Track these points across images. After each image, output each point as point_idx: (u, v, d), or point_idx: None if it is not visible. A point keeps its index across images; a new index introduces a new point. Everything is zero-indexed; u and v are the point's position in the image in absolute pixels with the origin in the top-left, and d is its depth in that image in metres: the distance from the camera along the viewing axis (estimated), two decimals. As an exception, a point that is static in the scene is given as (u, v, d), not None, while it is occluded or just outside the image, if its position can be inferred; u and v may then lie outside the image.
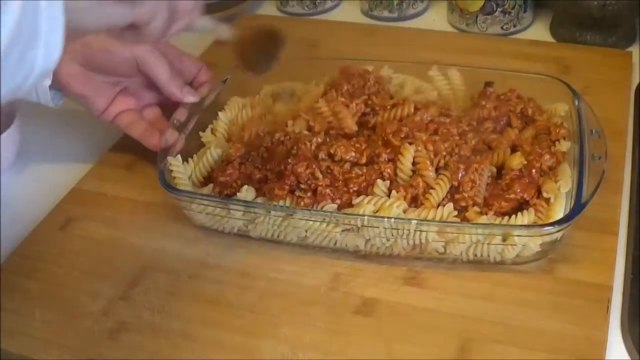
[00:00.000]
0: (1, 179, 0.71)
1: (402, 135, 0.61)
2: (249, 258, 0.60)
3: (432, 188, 0.58)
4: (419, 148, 0.60)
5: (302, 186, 0.59)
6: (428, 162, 0.59)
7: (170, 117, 0.67)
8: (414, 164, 0.60)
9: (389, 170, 0.60)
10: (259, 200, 0.60)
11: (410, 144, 0.60)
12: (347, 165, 0.60)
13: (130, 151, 0.72)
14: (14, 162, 0.72)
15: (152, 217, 0.66)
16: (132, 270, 0.60)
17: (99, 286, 0.59)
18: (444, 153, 0.60)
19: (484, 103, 0.65)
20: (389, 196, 0.58)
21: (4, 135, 0.68)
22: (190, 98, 0.68)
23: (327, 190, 0.58)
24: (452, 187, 0.58)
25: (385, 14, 0.93)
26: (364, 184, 0.59)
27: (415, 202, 0.59)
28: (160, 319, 0.56)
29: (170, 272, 0.60)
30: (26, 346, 0.56)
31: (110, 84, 0.68)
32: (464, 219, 0.57)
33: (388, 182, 0.59)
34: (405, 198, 0.58)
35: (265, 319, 0.55)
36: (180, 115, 0.67)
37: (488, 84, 0.68)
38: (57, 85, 0.65)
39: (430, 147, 0.60)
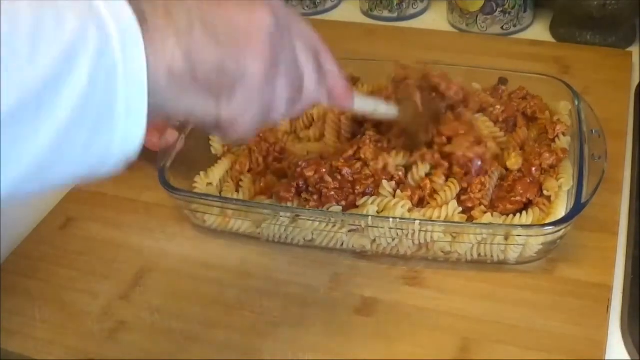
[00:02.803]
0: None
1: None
2: (249, 258, 0.60)
3: (443, 191, 0.58)
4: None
5: (310, 189, 0.59)
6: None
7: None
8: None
9: (399, 173, 0.60)
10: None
11: None
12: (357, 166, 0.60)
13: (130, 151, 0.72)
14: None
15: (152, 217, 0.66)
16: (132, 270, 0.60)
17: (99, 286, 0.59)
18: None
19: (491, 110, 0.65)
20: (394, 196, 0.58)
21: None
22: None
23: (332, 193, 0.58)
24: (461, 189, 0.58)
25: (385, 14, 0.93)
26: (372, 185, 0.59)
27: (422, 203, 0.59)
28: (160, 319, 0.56)
29: (170, 272, 0.60)
30: (26, 346, 0.56)
31: None
32: (470, 218, 0.57)
33: (394, 182, 0.59)
34: (412, 199, 0.58)
35: (265, 319, 0.55)
36: (181, 115, 0.67)
37: (502, 81, 0.68)
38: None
39: None
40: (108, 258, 0.62)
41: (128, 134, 0.33)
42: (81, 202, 0.68)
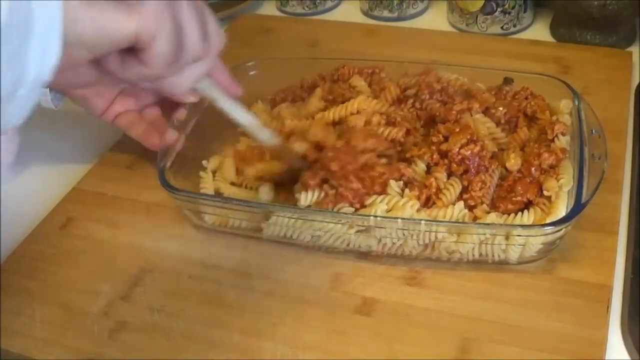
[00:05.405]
0: (1, 179, 0.71)
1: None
2: (249, 258, 0.60)
3: (446, 188, 0.58)
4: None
5: (332, 182, 0.58)
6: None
7: (170, 117, 0.67)
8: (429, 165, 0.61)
9: (410, 170, 0.60)
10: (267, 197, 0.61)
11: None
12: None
13: (130, 151, 0.72)
14: (14, 162, 0.72)
15: (152, 217, 0.66)
16: (132, 270, 0.60)
17: (99, 286, 0.59)
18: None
19: (493, 111, 0.65)
20: (402, 196, 0.58)
21: (3, 135, 0.68)
22: (191, 98, 0.68)
23: (347, 193, 0.57)
24: (462, 187, 0.58)
25: (385, 14, 0.93)
26: (384, 184, 0.59)
27: (428, 202, 0.59)
28: (160, 319, 0.56)
29: (170, 272, 0.60)
30: (26, 346, 0.56)
31: (110, 84, 0.67)
32: (473, 218, 0.57)
33: (402, 182, 0.59)
34: (419, 198, 0.58)
35: (265, 319, 0.55)
36: (180, 115, 0.67)
37: (507, 81, 0.68)
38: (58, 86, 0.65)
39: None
40: (108, 258, 0.62)
41: (45, 48, 0.35)
42: (81, 202, 0.68)
